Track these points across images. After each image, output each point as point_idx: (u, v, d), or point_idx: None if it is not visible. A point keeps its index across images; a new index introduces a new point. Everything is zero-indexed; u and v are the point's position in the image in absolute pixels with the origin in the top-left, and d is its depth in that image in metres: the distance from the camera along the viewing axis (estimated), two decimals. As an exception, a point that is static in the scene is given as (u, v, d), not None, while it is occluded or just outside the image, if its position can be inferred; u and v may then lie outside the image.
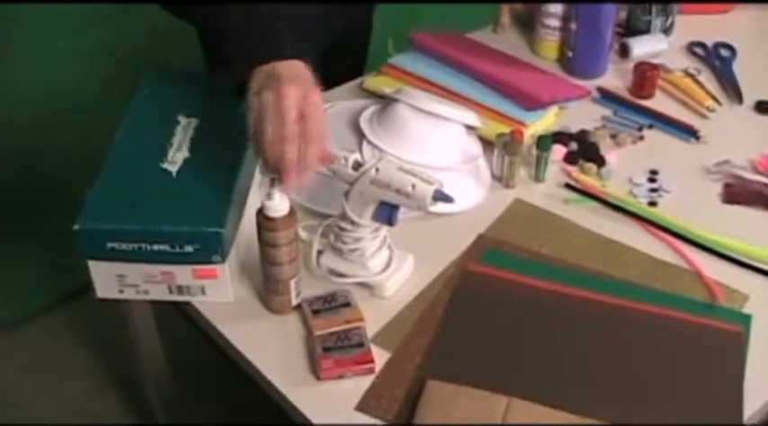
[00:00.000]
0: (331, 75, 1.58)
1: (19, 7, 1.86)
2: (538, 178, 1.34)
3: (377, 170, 1.08)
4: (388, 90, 1.39)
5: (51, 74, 1.95)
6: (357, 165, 1.11)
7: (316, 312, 1.11)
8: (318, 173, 1.23)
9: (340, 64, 1.64)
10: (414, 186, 1.06)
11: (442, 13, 2.24)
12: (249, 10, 1.16)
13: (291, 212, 1.06)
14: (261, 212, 1.06)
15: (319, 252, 1.17)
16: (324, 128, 1.08)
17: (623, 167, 1.36)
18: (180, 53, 1.59)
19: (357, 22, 1.66)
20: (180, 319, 1.21)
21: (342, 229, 1.13)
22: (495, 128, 1.36)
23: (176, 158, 1.18)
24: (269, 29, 1.15)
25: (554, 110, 1.45)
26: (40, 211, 1.98)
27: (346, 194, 1.11)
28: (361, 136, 1.31)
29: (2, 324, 2.07)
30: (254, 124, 1.07)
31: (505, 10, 1.68)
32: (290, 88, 1.05)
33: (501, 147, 1.32)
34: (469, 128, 1.34)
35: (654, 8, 1.65)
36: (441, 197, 1.07)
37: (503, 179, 1.33)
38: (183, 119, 1.24)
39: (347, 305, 1.12)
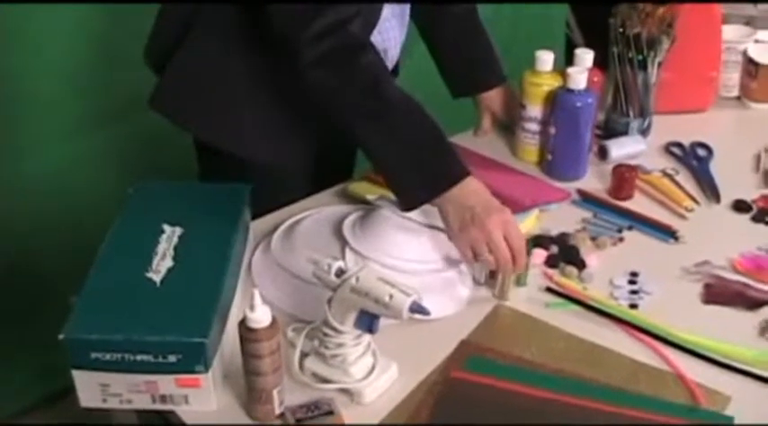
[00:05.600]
0: (325, 172, 1.59)
1: (21, 110, 1.89)
2: (519, 282, 1.34)
3: (357, 279, 1.09)
4: (370, 197, 1.41)
5: (42, 180, 1.97)
6: (340, 272, 1.12)
7: (299, 420, 1.10)
8: (303, 280, 1.25)
9: (336, 157, 1.65)
10: (391, 296, 1.07)
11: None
12: (408, 147, 1.29)
13: (273, 323, 1.07)
14: (243, 323, 1.06)
15: (304, 355, 1.17)
16: (522, 240, 1.29)
17: (604, 270, 1.37)
18: (175, 160, 1.61)
19: None
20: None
21: (325, 334, 1.14)
22: (476, 233, 1.37)
23: (160, 267, 1.19)
24: (438, 158, 1.30)
25: (535, 213, 1.47)
26: (28, 313, 1.98)
27: (329, 301, 1.12)
28: (344, 242, 1.32)
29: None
30: (469, 250, 1.28)
31: (486, 115, 1.70)
32: (491, 223, 1.26)
33: (482, 252, 1.33)
34: (451, 233, 1.35)
35: (631, 110, 1.69)
36: (417, 309, 1.08)
37: (484, 284, 1.34)
38: (167, 228, 1.26)
39: (330, 413, 1.11)
